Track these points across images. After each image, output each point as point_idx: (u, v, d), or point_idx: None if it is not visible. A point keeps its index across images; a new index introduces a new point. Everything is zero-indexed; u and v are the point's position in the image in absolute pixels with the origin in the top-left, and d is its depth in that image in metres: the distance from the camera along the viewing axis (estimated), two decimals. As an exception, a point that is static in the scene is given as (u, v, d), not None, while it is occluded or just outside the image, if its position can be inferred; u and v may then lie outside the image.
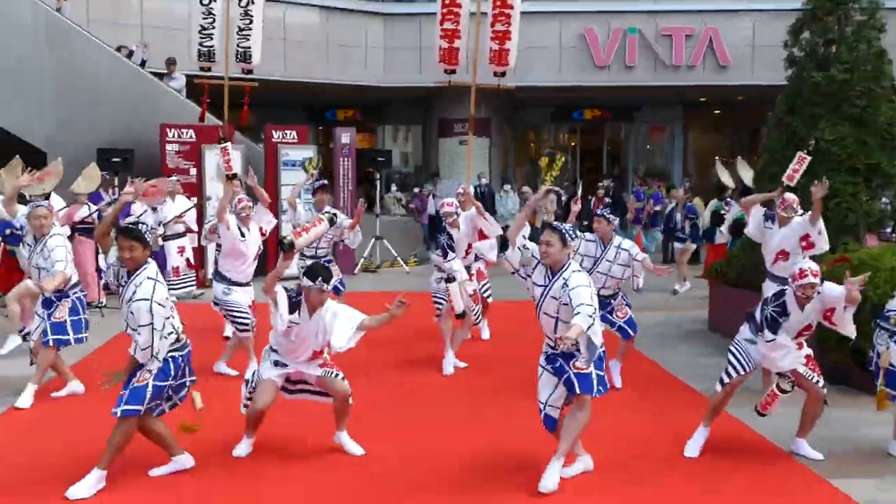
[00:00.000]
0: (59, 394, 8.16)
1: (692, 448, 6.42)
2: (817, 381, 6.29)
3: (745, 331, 6.51)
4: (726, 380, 6.42)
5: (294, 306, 6.02)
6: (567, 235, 5.64)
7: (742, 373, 6.38)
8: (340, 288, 9.77)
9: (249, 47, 10.83)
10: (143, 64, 16.41)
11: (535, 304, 5.75)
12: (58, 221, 8.67)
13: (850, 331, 6.26)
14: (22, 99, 14.80)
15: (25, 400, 7.92)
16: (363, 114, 25.07)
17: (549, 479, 5.64)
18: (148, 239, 6.02)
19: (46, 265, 7.79)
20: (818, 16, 10.04)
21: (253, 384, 6.25)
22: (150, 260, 5.78)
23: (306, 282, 5.95)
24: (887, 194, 9.83)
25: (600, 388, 5.65)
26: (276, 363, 6.21)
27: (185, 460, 5.98)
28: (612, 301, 8.22)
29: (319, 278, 5.90)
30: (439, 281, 8.98)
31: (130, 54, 16.39)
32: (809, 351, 6.37)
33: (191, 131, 15.23)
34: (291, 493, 5.79)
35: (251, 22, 10.69)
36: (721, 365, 6.59)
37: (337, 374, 6.23)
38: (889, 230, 10.02)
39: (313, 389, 6.39)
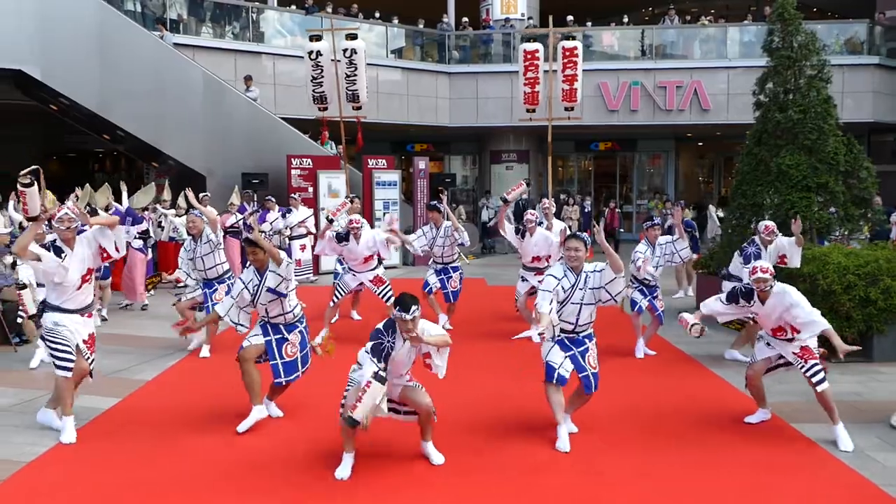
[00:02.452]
0: (197, 350, 8.35)
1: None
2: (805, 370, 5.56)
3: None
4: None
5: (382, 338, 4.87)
6: (587, 243, 5.62)
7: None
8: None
9: (357, 90, 10.88)
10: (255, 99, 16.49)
11: (560, 300, 5.46)
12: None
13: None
14: (187, 136, 15.21)
15: (205, 351, 8.23)
16: (434, 146, 25.10)
17: (564, 441, 5.41)
18: (270, 239, 6.15)
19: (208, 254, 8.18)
20: (779, 70, 9.90)
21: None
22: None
23: (395, 312, 4.78)
24: (835, 206, 9.60)
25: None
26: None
27: (263, 410, 5.85)
28: (656, 290, 8.16)
29: (399, 308, 4.75)
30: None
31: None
32: (806, 343, 5.60)
33: (309, 160, 15.46)
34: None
35: (356, 70, 10.75)
36: (706, 335, 6.38)
37: (419, 387, 5.11)
38: (836, 234, 9.78)
39: (399, 409, 5.16)
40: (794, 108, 9.57)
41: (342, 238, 8.69)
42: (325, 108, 11.39)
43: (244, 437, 5.59)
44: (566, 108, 10.62)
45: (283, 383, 5.84)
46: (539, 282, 6.11)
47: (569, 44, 10.33)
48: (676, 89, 20.13)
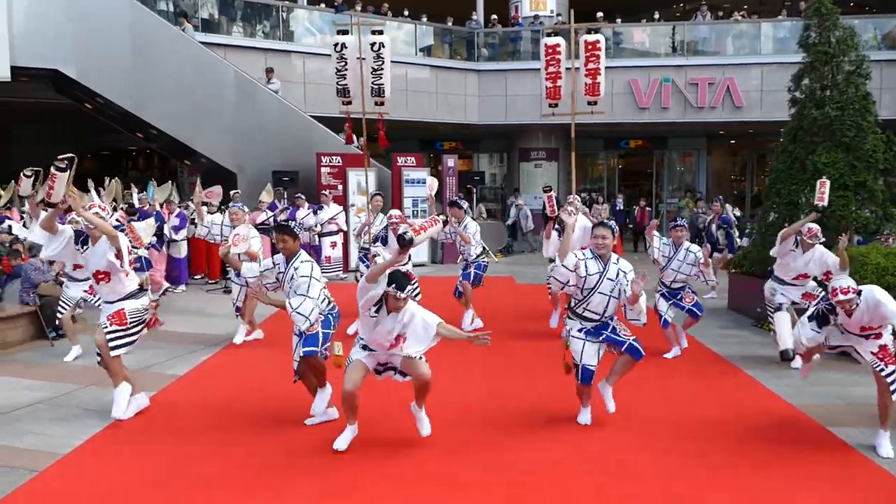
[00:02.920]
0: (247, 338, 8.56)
1: None
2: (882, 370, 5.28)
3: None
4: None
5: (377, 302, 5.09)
6: (615, 230, 5.74)
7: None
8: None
9: (382, 84, 10.82)
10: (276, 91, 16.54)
11: (590, 287, 5.61)
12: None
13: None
14: (218, 134, 15.37)
15: (238, 337, 8.49)
16: (463, 145, 25.04)
17: (610, 404, 5.80)
18: (298, 234, 6.11)
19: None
20: (816, 66, 9.72)
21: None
22: (301, 249, 5.88)
23: (388, 288, 4.96)
24: (873, 206, 9.40)
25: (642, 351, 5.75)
26: (365, 347, 5.27)
27: (330, 412, 5.88)
28: (681, 291, 7.98)
29: (394, 285, 4.94)
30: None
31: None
32: (885, 342, 5.35)
33: (338, 157, 15.53)
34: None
35: (382, 63, 10.71)
36: (737, 336, 6.33)
37: (421, 358, 5.21)
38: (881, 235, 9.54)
39: (398, 369, 5.31)
40: (832, 105, 9.40)
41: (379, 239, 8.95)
42: (349, 103, 11.37)
43: (274, 434, 5.62)
44: (589, 103, 10.49)
45: (301, 355, 5.65)
46: None
47: (591, 37, 10.18)
48: (708, 86, 19.88)
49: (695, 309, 8.00)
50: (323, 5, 19.62)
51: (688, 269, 7.87)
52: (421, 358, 5.19)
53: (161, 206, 12.65)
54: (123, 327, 5.89)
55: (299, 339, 5.71)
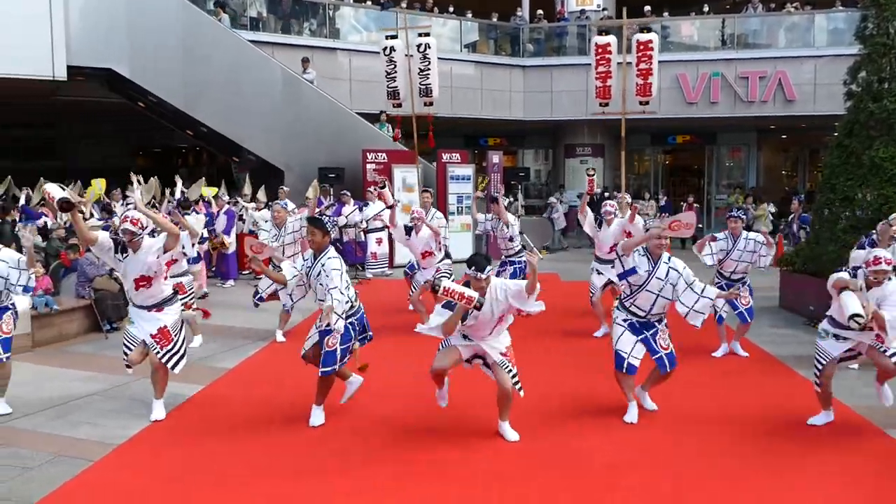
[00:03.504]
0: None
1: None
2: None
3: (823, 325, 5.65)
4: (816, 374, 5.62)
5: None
6: None
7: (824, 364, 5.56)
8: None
9: (430, 84, 10.88)
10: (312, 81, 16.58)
11: (638, 286, 5.62)
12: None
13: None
14: (267, 132, 15.57)
15: (280, 336, 8.56)
16: (508, 140, 24.93)
17: (649, 404, 5.84)
18: (330, 230, 6.03)
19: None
20: (874, 58, 9.42)
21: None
22: (330, 245, 5.76)
23: (468, 271, 5.14)
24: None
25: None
26: (464, 336, 5.34)
27: (356, 380, 5.97)
28: (740, 286, 7.69)
29: (474, 268, 5.11)
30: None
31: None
32: None
33: (384, 154, 15.60)
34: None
35: (429, 64, 10.77)
36: (789, 335, 6.21)
37: (509, 370, 5.29)
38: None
39: (487, 363, 5.44)
40: (890, 98, 9.11)
41: (409, 231, 8.97)
42: (399, 105, 11.46)
43: (319, 428, 5.68)
44: (641, 103, 10.37)
45: (320, 374, 5.64)
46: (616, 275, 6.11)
47: (644, 37, 10.06)
48: (759, 80, 19.45)
49: (746, 314, 7.79)
50: (369, 2, 19.71)
51: (749, 257, 7.70)
52: (510, 371, 5.26)
53: (196, 203, 12.75)
54: (171, 343, 5.92)
55: (320, 336, 5.67)
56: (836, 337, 5.48)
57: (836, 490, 4.62)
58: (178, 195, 11.97)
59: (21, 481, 4.72)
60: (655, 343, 5.68)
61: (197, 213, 11.70)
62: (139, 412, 6.00)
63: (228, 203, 13.32)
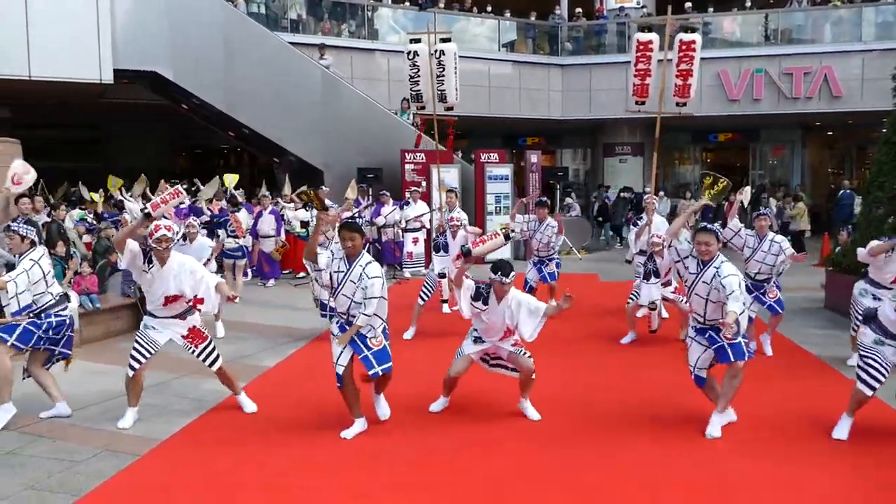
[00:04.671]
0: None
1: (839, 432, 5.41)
2: None
3: (868, 333, 5.41)
4: (873, 385, 5.31)
5: (479, 295, 5.55)
6: (719, 235, 5.52)
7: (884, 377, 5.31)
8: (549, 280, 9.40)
9: (445, 90, 11.00)
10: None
11: (687, 286, 5.54)
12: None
13: None
14: (307, 133, 15.72)
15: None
16: (546, 140, 24.82)
17: (715, 428, 5.43)
18: (364, 232, 5.85)
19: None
20: (925, 52, 9.14)
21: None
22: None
23: (494, 276, 5.45)
24: None
25: (748, 352, 5.39)
26: (476, 339, 5.74)
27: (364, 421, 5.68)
28: (765, 285, 7.62)
29: (500, 273, 5.42)
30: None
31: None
32: None
33: (422, 154, 15.64)
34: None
35: (444, 70, 10.88)
36: (835, 336, 6.02)
37: (525, 353, 5.71)
38: None
39: (507, 366, 5.83)
40: (942, 93, 8.86)
41: (443, 246, 9.26)
42: (423, 107, 11.60)
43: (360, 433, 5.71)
44: (678, 104, 10.22)
45: (380, 373, 5.45)
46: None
47: (687, 37, 9.88)
48: (804, 76, 19.07)
49: (776, 305, 7.66)
50: (407, 3, 19.80)
51: (772, 260, 7.53)
52: (525, 353, 5.67)
53: (209, 202, 12.67)
54: (206, 341, 5.90)
55: (353, 349, 5.42)
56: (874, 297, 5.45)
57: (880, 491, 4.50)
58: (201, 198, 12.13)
59: (70, 474, 4.84)
60: (718, 335, 5.37)
61: (210, 211, 11.86)
62: (182, 409, 6.10)
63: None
